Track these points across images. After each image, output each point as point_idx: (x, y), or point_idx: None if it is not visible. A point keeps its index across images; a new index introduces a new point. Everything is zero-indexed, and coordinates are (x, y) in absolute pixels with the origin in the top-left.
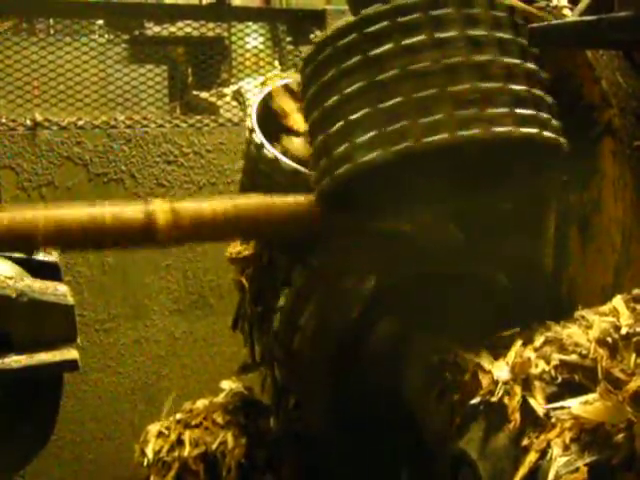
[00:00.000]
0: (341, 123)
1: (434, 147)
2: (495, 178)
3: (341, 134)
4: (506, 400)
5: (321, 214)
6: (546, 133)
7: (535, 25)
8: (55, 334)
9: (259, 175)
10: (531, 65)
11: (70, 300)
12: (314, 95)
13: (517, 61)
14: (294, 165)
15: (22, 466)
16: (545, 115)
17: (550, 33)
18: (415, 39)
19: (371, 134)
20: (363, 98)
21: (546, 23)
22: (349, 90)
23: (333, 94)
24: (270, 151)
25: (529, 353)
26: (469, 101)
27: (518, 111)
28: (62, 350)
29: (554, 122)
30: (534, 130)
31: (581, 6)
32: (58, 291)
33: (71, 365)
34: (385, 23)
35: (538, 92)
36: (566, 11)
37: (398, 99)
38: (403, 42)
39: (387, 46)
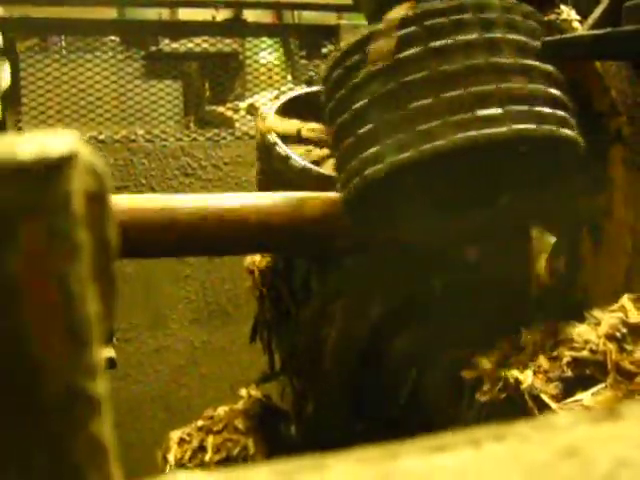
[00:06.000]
0: (371, 125)
1: (464, 145)
2: (515, 185)
3: (371, 135)
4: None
5: (346, 216)
6: (564, 130)
7: (547, 39)
8: None
9: (272, 173)
10: (548, 66)
11: None
12: (342, 98)
13: (535, 62)
14: (303, 163)
15: None
16: (563, 114)
17: (562, 46)
18: (441, 42)
19: (401, 135)
20: (393, 100)
21: (558, 37)
22: (380, 92)
23: (363, 97)
24: (283, 149)
25: (540, 355)
26: (492, 101)
27: (540, 110)
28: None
29: (571, 120)
30: (553, 127)
31: (590, 20)
32: None
33: (109, 363)
34: (413, 28)
35: (556, 92)
36: (575, 24)
37: (427, 100)
38: (430, 45)
39: (415, 49)
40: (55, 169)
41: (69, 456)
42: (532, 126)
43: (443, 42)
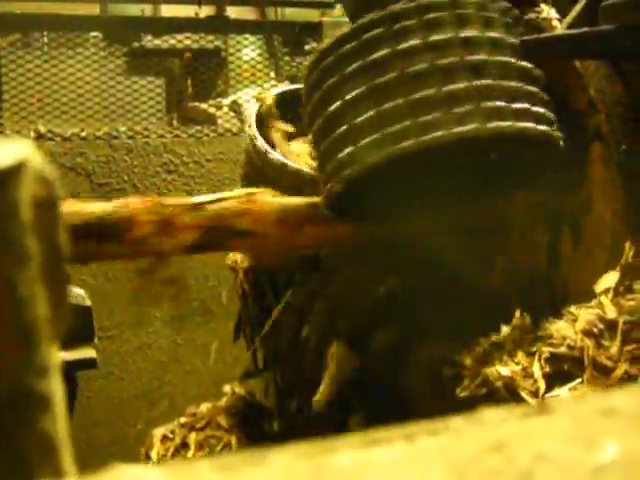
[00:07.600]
0: (345, 127)
1: (437, 143)
2: (493, 182)
3: (346, 137)
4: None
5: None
6: (540, 127)
7: (527, 38)
8: (74, 334)
9: (265, 180)
10: (524, 63)
11: (88, 302)
12: (318, 102)
13: (510, 59)
14: (298, 167)
15: None
16: (540, 109)
17: (541, 45)
18: (410, 43)
19: (375, 136)
20: (365, 102)
21: (537, 35)
22: (351, 95)
23: (336, 100)
24: (275, 156)
25: (519, 351)
26: (465, 99)
27: (513, 106)
28: (81, 349)
29: (549, 115)
30: (529, 124)
31: (568, 19)
32: (76, 293)
33: (90, 363)
34: (381, 29)
35: (532, 88)
36: (555, 23)
37: (398, 100)
38: (399, 46)
39: (384, 51)
40: (4, 178)
41: (21, 452)
42: (507, 123)
43: (412, 42)
